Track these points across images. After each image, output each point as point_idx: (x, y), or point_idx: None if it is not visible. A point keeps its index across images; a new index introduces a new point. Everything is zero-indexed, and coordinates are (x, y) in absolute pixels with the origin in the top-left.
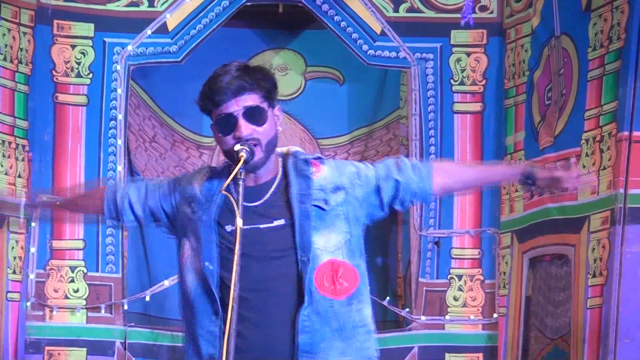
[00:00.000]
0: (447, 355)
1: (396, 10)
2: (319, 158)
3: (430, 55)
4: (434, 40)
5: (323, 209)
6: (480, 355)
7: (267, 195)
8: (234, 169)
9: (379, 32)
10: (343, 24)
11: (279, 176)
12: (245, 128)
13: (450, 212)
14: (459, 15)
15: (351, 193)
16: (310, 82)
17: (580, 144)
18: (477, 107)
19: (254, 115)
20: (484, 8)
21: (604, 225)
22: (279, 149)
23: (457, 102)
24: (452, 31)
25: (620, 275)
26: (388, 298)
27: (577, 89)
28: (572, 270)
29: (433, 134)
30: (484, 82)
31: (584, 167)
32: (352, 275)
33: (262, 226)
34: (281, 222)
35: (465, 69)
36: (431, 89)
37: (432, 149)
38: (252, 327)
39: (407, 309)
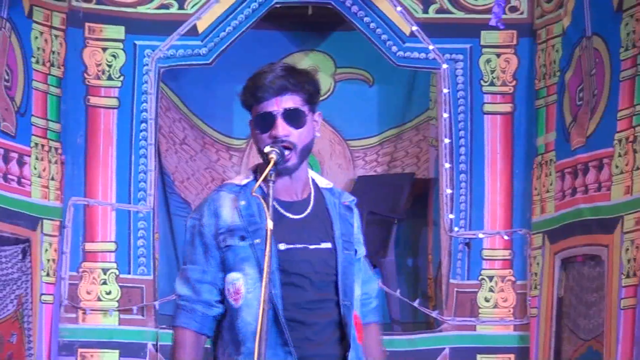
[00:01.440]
0: (478, 356)
1: (425, 11)
2: (355, 202)
3: (460, 56)
4: (463, 41)
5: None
6: (512, 356)
7: (309, 211)
8: (263, 175)
9: (408, 33)
10: (372, 25)
11: (312, 194)
12: (283, 129)
13: (481, 213)
14: (488, 16)
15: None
16: (339, 84)
17: (613, 144)
18: (507, 107)
19: (293, 117)
20: (514, 9)
21: (637, 226)
22: None
23: (487, 103)
24: (482, 32)
25: None
26: (419, 299)
27: (610, 89)
28: (605, 271)
29: (463, 135)
30: (514, 82)
31: (617, 167)
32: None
33: (311, 247)
34: (328, 245)
35: (495, 70)
36: (461, 89)
37: (462, 149)
38: (307, 341)
39: (438, 310)
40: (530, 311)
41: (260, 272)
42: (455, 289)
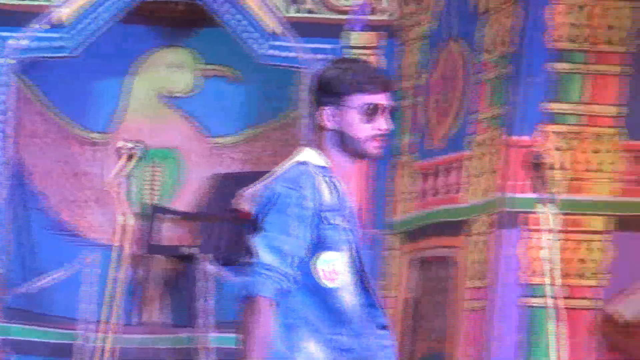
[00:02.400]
0: None
1: (292, 10)
2: None
3: (326, 56)
4: (329, 41)
5: None
6: None
7: None
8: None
9: (274, 32)
10: (238, 22)
11: None
12: (387, 123)
13: None
14: (354, 17)
15: None
16: (206, 80)
17: (469, 147)
18: None
19: (390, 114)
20: (378, 10)
21: (486, 229)
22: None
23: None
24: (347, 32)
25: (500, 278)
26: None
27: (469, 92)
28: (454, 273)
29: None
30: None
31: (471, 170)
32: None
33: None
34: None
35: None
36: None
37: None
38: None
39: None
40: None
41: (350, 255)
42: None
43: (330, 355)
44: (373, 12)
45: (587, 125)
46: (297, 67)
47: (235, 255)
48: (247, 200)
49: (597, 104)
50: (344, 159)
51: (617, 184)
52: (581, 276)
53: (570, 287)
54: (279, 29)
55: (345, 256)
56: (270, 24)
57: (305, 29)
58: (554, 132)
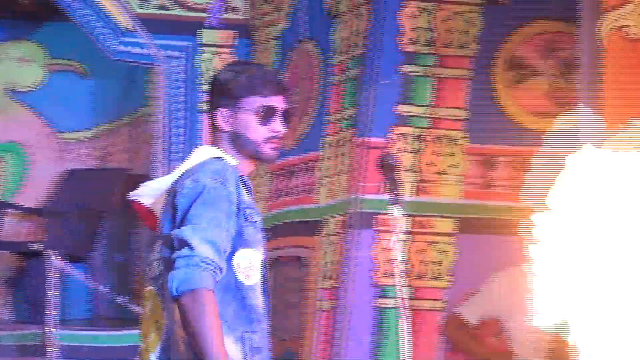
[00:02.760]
0: None
1: (145, 6)
2: None
3: (179, 54)
4: (183, 39)
5: None
6: None
7: None
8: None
9: (126, 27)
10: (88, 17)
11: None
12: (284, 126)
13: None
14: (208, 15)
15: None
16: (53, 75)
17: (322, 148)
18: None
19: (287, 117)
20: (233, 9)
21: (339, 229)
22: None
23: (204, 102)
24: (201, 30)
25: (352, 279)
26: (127, 296)
27: (320, 93)
28: (307, 273)
29: (180, 133)
30: None
31: (323, 171)
32: None
33: None
34: None
35: (212, 69)
36: (179, 87)
37: (180, 147)
38: None
39: None
40: None
41: (261, 253)
42: None
43: (242, 353)
44: (226, 10)
45: (435, 128)
46: (150, 64)
47: (82, 251)
48: (147, 194)
49: (445, 107)
50: (240, 160)
51: (462, 187)
52: (429, 278)
53: (419, 289)
54: (130, 25)
55: (260, 255)
56: (122, 20)
57: (158, 26)
58: (404, 134)
